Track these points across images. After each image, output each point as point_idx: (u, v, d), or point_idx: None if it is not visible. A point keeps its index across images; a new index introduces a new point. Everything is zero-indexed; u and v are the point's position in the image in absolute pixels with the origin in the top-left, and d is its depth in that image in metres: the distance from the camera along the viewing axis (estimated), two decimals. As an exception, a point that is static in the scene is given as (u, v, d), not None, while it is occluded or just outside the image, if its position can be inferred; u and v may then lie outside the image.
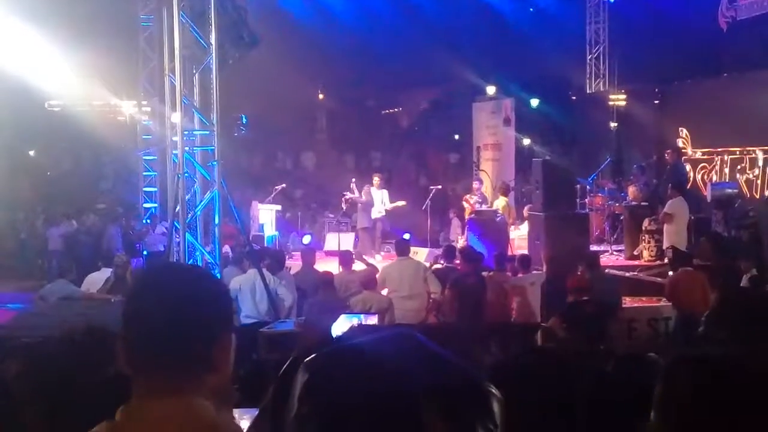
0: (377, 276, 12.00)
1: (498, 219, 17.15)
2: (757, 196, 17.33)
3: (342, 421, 1.23)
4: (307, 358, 1.32)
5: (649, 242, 16.00)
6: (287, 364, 1.35)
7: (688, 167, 19.09)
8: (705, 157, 19.29)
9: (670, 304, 11.75)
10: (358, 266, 13.50)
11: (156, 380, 1.90)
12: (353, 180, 19.42)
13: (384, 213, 19.08)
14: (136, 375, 1.92)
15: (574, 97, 24.17)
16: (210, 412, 1.91)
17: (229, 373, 2.02)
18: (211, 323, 1.97)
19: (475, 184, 19.60)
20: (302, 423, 1.27)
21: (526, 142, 23.70)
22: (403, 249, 12.90)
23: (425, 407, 1.23)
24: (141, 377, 1.92)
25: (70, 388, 2.94)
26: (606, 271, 13.78)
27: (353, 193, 18.96)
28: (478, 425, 1.29)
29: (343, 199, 19.35)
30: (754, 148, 17.71)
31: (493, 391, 1.33)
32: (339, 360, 1.30)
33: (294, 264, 15.43)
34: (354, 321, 8.18)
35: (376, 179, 19.31)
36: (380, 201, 19.03)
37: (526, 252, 14.66)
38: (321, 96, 30.94)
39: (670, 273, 12.02)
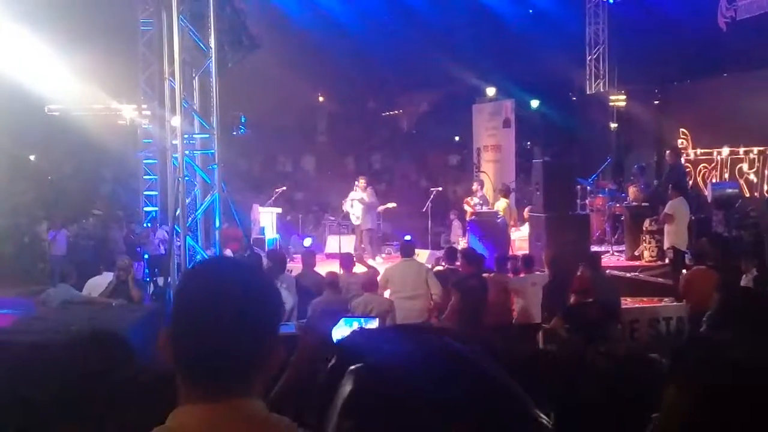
0: (381, 277, 12.00)
1: (498, 220, 17.16)
2: (758, 196, 17.33)
3: None
4: (352, 367, 1.26)
5: (649, 243, 16.01)
6: (329, 370, 1.28)
7: (688, 167, 19.09)
8: (705, 157, 19.29)
9: (672, 304, 11.74)
10: (358, 268, 13.50)
11: (212, 383, 1.80)
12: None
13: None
14: (187, 377, 1.82)
15: (574, 98, 24.18)
16: (266, 413, 1.84)
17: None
18: (273, 320, 1.89)
19: (475, 186, 19.60)
20: None
21: (527, 143, 23.70)
22: (408, 250, 12.94)
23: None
24: (194, 379, 1.81)
25: (76, 394, 2.93)
26: (606, 271, 13.78)
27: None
28: None
29: (343, 201, 19.34)
30: (754, 148, 17.71)
31: (542, 419, 1.26)
32: (384, 374, 1.24)
33: (295, 266, 15.43)
34: (355, 325, 8.18)
35: (361, 182, 19.30)
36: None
37: (527, 253, 14.65)
38: (321, 99, 30.98)
39: (684, 271, 11.88)
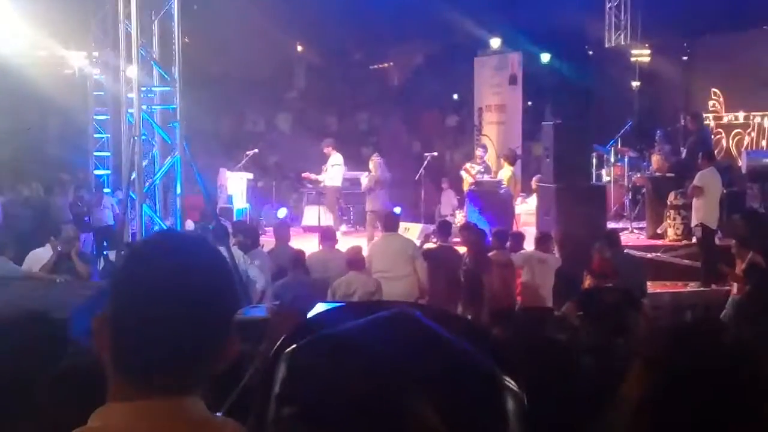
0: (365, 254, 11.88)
1: (502, 191, 17.13)
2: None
3: (328, 425, 1.17)
4: (288, 350, 1.25)
5: (674, 219, 16.04)
6: (271, 356, 1.28)
7: (720, 133, 19.11)
8: (739, 121, 19.31)
9: (699, 289, 11.76)
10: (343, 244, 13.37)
11: (150, 378, 1.74)
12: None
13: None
14: (123, 369, 1.76)
15: (591, 52, 24.19)
16: (206, 414, 1.79)
17: None
18: (230, 307, 1.85)
19: (479, 151, 19.55)
20: (283, 427, 1.21)
21: (535, 103, 23.70)
22: (391, 224, 12.81)
23: (416, 400, 1.15)
24: (130, 373, 1.75)
25: (10, 385, 2.90)
26: (626, 251, 13.79)
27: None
28: (483, 423, 1.20)
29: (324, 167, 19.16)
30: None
31: (510, 384, 1.24)
32: (323, 351, 1.23)
33: (267, 240, 15.39)
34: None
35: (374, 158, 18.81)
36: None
37: (534, 228, 14.65)
38: (300, 48, 30.82)
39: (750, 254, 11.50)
